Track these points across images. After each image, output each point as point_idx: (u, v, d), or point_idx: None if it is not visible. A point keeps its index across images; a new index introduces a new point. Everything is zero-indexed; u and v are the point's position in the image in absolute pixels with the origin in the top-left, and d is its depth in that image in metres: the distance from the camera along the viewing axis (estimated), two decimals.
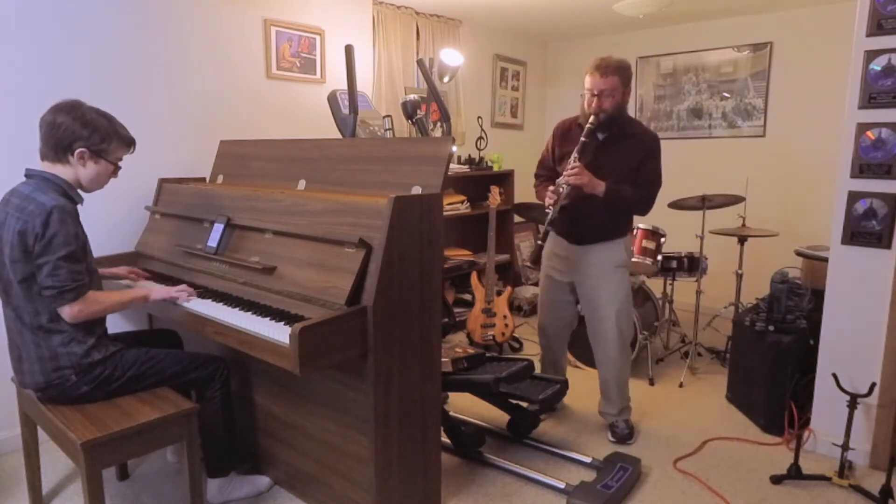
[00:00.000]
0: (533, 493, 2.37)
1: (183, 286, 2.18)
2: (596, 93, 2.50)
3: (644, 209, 2.64)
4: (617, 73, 2.50)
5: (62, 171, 1.92)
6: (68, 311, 1.84)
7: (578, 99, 2.67)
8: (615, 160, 2.58)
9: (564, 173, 2.52)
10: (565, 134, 2.74)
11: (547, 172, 2.80)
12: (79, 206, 1.95)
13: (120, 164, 2.03)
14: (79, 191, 1.97)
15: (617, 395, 2.77)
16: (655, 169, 2.60)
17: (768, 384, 2.85)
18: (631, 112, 5.16)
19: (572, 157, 2.53)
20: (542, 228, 2.63)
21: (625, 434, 2.76)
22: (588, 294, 2.74)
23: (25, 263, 1.82)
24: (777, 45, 4.47)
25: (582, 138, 2.52)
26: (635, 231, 3.68)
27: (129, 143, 2.04)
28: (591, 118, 2.51)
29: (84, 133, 1.89)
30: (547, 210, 2.58)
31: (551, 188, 2.57)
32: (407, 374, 1.99)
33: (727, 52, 4.69)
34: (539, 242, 2.63)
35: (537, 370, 2.92)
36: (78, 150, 1.89)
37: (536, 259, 2.70)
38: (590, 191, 2.51)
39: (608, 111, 2.52)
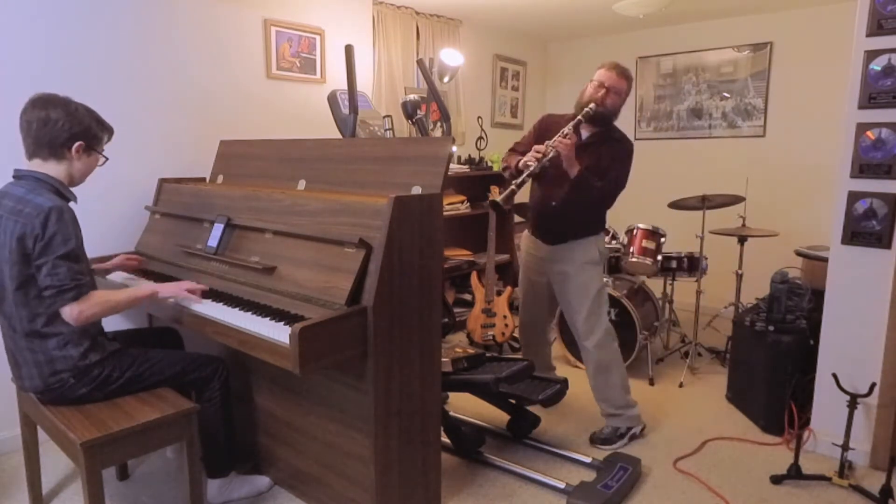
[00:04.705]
0: (533, 493, 2.37)
1: (191, 285, 2.14)
2: (606, 86, 2.58)
3: (606, 202, 2.67)
4: (627, 79, 2.63)
5: (55, 169, 1.90)
6: (69, 312, 1.81)
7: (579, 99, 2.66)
8: (591, 160, 2.60)
9: (556, 137, 2.48)
10: (552, 126, 2.69)
11: (522, 150, 2.70)
12: (76, 206, 1.93)
13: (105, 154, 2.04)
14: (70, 188, 1.96)
15: (599, 397, 2.76)
16: (620, 171, 2.64)
17: (768, 384, 2.85)
18: (630, 112, 5.21)
19: (566, 128, 2.52)
20: (518, 179, 2.49)
21: (600, 438, 2.74)
22: (560, 291, 2.79)
23: (24, 266, 1.80)
24: (777, 45, 4.47)
25: (579, 117, 2.57)
26: (635, 231, 3.69)
27: (111, 132, 2.05)
28: (591, 104, 2.55)
29: (79, 128, 1.89)
30: (523, 168, 2.48)
31: (536, 147, 2.50)
32: (407, 374, 1.99)
33: (727, 52, 4.69)
34: (513, 187, 2.47)
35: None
36: (76, 144, 1.89)
37: (507, 199, 2.52)
38: (567, 164, 2.49)
39: (607, 107, 2.60)
